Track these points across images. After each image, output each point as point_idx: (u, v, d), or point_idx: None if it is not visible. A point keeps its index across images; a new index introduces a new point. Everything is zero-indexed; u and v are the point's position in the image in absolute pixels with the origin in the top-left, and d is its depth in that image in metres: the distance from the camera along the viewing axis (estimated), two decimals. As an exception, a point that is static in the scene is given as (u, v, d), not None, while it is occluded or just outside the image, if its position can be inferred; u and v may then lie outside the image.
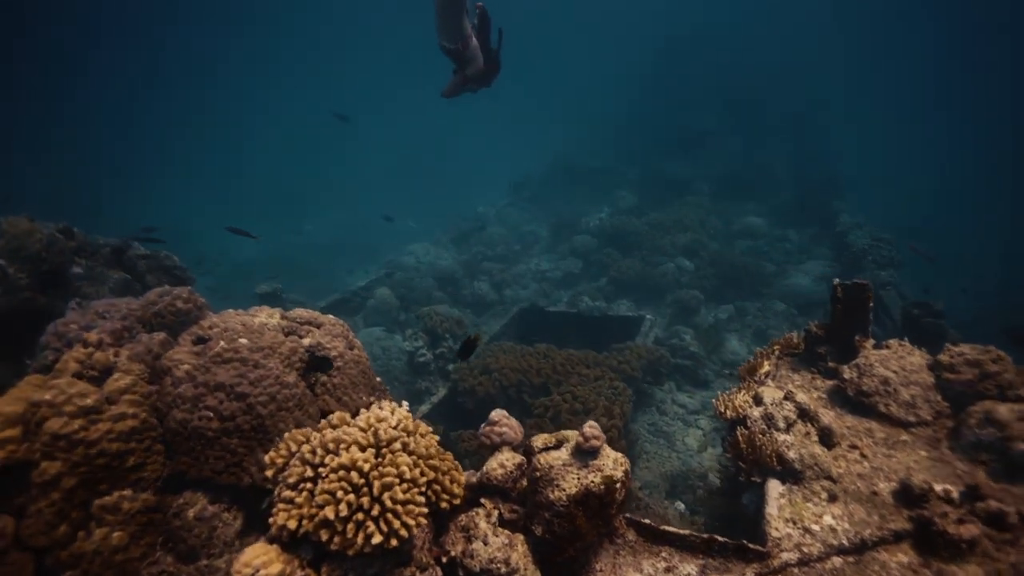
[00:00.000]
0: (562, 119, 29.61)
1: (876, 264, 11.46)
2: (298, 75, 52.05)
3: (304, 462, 2.20)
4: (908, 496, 2.71)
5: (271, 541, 2.15)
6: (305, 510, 2.09)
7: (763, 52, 24.88)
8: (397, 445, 2.22)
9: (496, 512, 2.46)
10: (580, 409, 6.61)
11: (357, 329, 10.63)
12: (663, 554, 2.55)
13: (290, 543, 2.15)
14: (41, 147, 29.34)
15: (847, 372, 3.51)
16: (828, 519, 2.68)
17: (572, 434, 2.62)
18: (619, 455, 2.48)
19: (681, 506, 6.64)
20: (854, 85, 35.98)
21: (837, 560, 2.48)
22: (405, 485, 2.10)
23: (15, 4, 30.68)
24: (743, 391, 3.39)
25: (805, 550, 2.52)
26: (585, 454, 2.41)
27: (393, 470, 2.10)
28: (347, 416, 2.49)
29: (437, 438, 2.52)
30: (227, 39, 47.31)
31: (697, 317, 11.47)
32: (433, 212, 23.76)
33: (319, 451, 2.19)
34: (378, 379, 3.47)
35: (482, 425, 2.72)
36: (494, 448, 2.63)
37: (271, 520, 2.15)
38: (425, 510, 2.14)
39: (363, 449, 2.17)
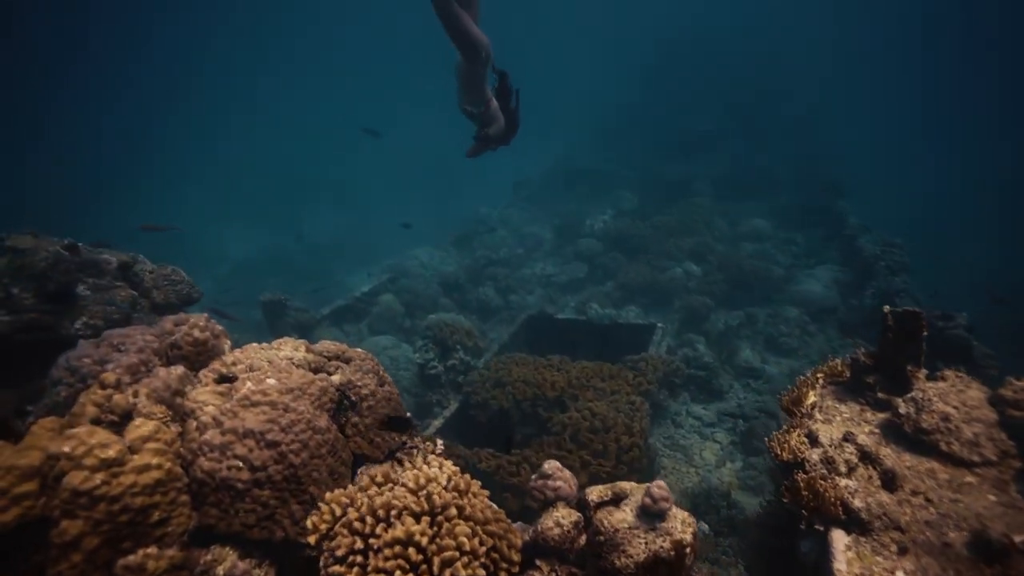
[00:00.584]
0: (562, 121, 29.40)
1: (889, 270, 11.33)
2: (297, 76, 51.59)
3: (352, 531, 2.01)
4: (985, 550, 2.55)
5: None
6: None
7: (763, 54, 24.71)
8: (453, 511, 2.04)
9: None
10: (599, 427, 6.44)
11: (363, 337, 10.43)
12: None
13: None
14: (30, 149, 28.95)
15: (903, 407, 3.34)
16: (900, 575, 2.52)
17: (629, 486, 2.45)
18: (686, 514, 2.31)
19: (705, 527, 6.48)
20: (855, 87, 35.92)
21: (917, 623, 2.32)
22: (466, 559, 1.92)
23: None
24: (796, 430, 3.21)
25: (881, 612, 2.35)
26: (652, 516, 2.24)
27: (452, 542, 1.91)
28: (390, 471, 2.30)
29: (487, 493, 2.34)
30: (227, 38, 46.96)
31: (707, 324, 11.31)
32: (433, 213, 23.54)
33: (368, 519, 2.00)
34: (405, 410, 3.28)
35: (533, 477, 2.53)
36: (548, 504, 2.45)
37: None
38: (485, 583, 1.97)
39: (417, 518, 1.98)
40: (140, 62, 43.68)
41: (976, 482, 3.02)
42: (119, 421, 2.63)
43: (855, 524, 2.74)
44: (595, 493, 2.44)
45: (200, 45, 45.95)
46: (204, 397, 2.75)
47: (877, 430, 3.45)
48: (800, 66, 25.54)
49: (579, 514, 2.41)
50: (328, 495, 2.28)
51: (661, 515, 2.23)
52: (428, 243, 17.04)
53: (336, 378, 2.95)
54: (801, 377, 3.91)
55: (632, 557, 2.12)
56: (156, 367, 3.16)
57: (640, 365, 8.16)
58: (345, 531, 2.02)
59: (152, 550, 2.43)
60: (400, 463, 3.01)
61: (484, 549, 2.02)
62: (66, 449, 2.35)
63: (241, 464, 2.50)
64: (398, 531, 1.90)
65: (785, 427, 3.29)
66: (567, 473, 2.52)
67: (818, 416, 3.54)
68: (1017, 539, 2.54)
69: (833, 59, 34.18)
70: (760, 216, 16.81)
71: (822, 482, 2.82)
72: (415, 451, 3.04)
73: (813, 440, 3.08)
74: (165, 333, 3.35)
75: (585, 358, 8.49)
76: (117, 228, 22.31)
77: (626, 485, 2.44)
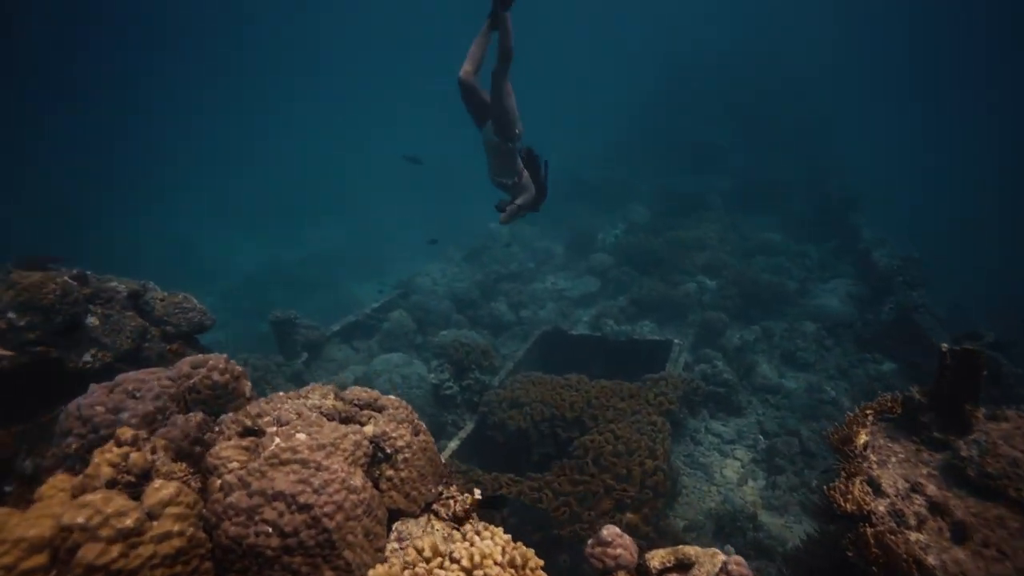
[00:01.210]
0: (570, 132, 29.29)
1: (907, 284, 11.12)
2: (297, 82, 51.62)
3: (402, 620, 1.82)
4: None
5: None
6: None
7: (774, 66, 24.58)
8: (512, 593, 1.84)
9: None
10: (623, 451, 6.23)
11: (373, 353, 10.24)
12: None
13: None
14: (29, 161, 28.81)
15: (964, 449, 3.14)
16: (986, 643, 2.32)
17: (694, 552, 2.25)
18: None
19: (731, 550, 6.26)
20: (864, 96, 35.82)
21: None
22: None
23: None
24: (856, 477, 3.01)
25: None
26: (727, 592, 2.05)
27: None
28: (438, 543, 2.11)
29: (542, 563, 2.14)
30: (228, 49, 47.00)
31: (723, 339, 11.11)
32: (439, 224, 23.41)
33: (420, 605, 1.81)
34: (443, 461, 3.09)
35: (590, 543, 2.35)
36: (607, 573, 2.26)
37: None
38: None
39: (475, 604, 1.79)
40: (139, 71, 43.71)
41: (1052, 533, 2.82)
42: (136, 482, 2.45)
43: (930, 584, 2.54)
44: (657, 560, 2.25)
45: (200, 55, 45.99)
46: (228, 453, 2.55)
47: (936, 472, 3.24)
48: (811, 77, 25.40)
49: (641, 585, 2.22)
50: (372, 572, 2.09)
51: (735, 590, 2.04)
52: (431, 254, 16.87)
53: (369, 429, 2.76)
54: (849, 414, 3.70)
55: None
56: (173, 414, 2.98)
57: (660, 384, 7.95)
58: (393, 618, 1.83)
59: (174, 627, 2.23)
60: (437, 515, 2.83)
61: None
62: (80, 520, 2.15)
63: (270, 529, 2.31)
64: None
65: (843, 473, 3.09)
66: (627, 539, 2.33)
67: (872, 457, 3.34)
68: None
69: (841, 70, 34.08)
70: (771, 229, 16.66)
71: (892, 537, 2.62)
72: (452, 502, 2.85)
73: (876, 488, 2.88)
74: (182, 376, 3.17)
75: (601, 375, 8.31)
76: (114, 239, 22.23)
77: (690, 551, 2.24)
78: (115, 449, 2.50)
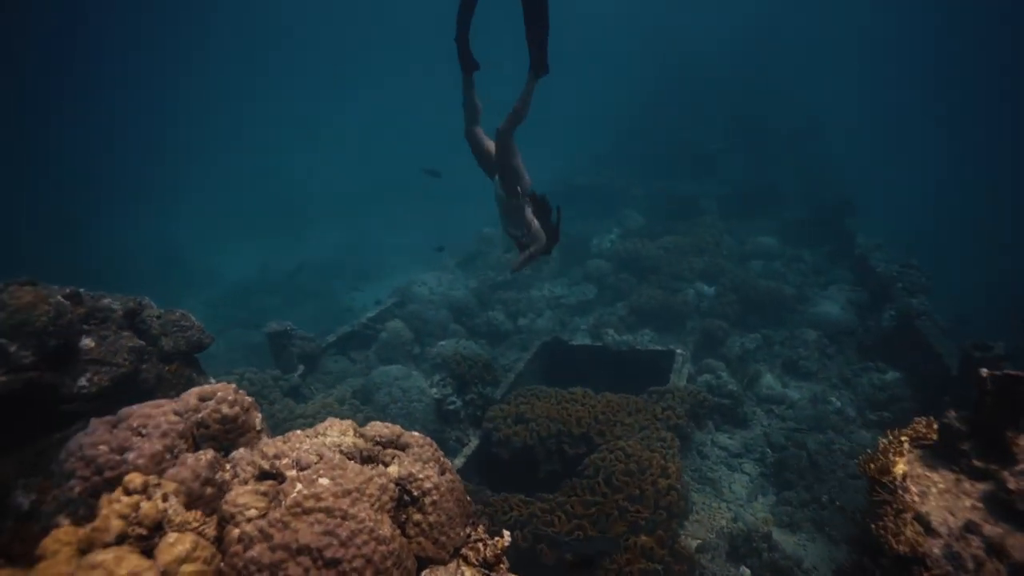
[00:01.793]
0: (560, 135, 29.21)
1: (906, 291, 11.07)
2: (286, 91, 51.16)
3: None
4: None
5: None
6: None
7: (767, 70, 24.67)
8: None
9: None
10: (635, 469, 6.08)
11: (371, 365, 10.04)
12: None
13: None
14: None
15: (1012, 481, 3.02)
16: None
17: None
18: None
19: (747, 572, 6.15)
20: (864, 103, 36.07)
21: None
22: None
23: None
24: (905, 515, 2.87)
25: None
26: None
27: None
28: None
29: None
30: (221, 51, 46.52)
31: (724, 348, 11.01)
32: (431, 230, 23.23)
33: None
34: (468, 499, 2.92)
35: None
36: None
37: None
38: None
39: None
40: (126, 72, 43.09)
41: (1111, 572, 2.70)
42: (148, 534, 2.26)
43: (993, 633, 2.41)
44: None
45: (187, 58, 45.43)
46: (245, 499, 2.37)
47: (981, 505, 3.12)
48: (804, 81, 25.53)
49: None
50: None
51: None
52: (425, 261, 16.67)
53: (394, 470, 2.58)
54: (883, 440, 3.57)
55: None
56: (183, 453, 2.80)
57: (667, 397, 7.83)
58: None
59: None
60: (466, 560, 2.66)
61: None
62: (90, 585, 1.96)
63: (295, 587, 2.13)
64: None
65: (890, 509, 2.95)
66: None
67: (913, 489, 3.21)
68: None
69: (835, 72, 34.32)
70: (766, 233, 16.63)
71: (950, 582, 2.49)
72: (482, 545, 2.69)
73: (926, 525, 2.76)
74: (189, 410, 2.98)
75: (603, 386, 8.20)
76: (100, 246, 21.82)
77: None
78: (124, 498, 2.31)
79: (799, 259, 15.18)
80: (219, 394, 3.04)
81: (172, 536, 2.20)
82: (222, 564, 2.24)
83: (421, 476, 2.59)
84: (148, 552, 2.19)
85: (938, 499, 3.19)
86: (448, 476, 2.74)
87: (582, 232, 17.02)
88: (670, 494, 5.89)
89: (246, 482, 2.52)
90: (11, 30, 32.32)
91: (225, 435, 2.99)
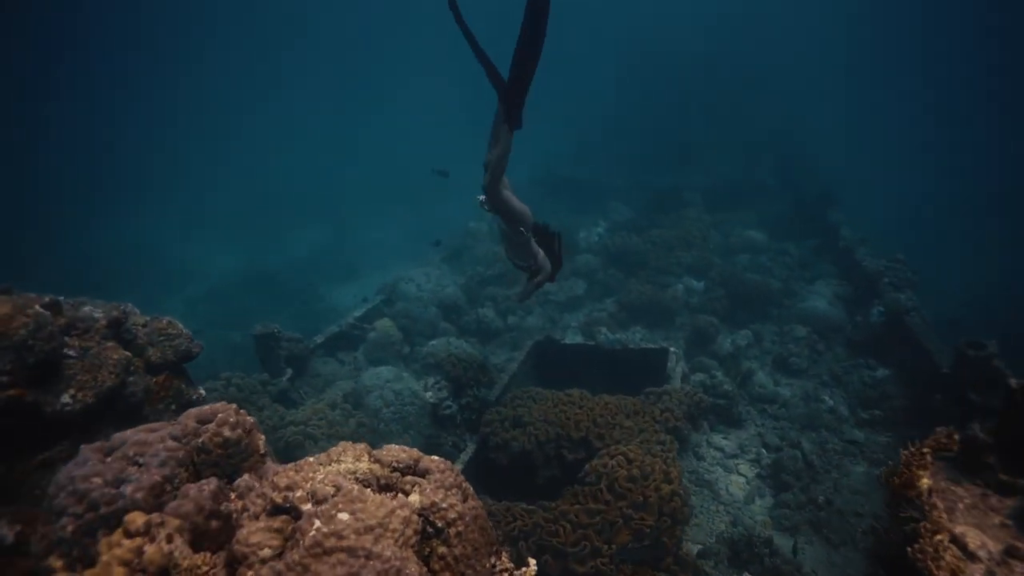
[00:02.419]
0: (546, 128, 29.03)
1: (893, 286, 11.13)
2: (271, 85, 50.15)
3: None
4: None
5: None
6: None
7: (751, 64, 24.73)
8: None
9: None
10: (638, 475, 5.97)
11: (361, 367, 9.81)
12: None
13: None
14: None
15: (1045, 496, 2.95)
16: None
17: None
18: None
19: (749, 579, 6.10)
20: (838, 93, 36.35)
21: None
22: None
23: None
24: (946, 542, 2.77)
25: None
26: None
27: None
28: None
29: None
30: (213, 50, 45.44)
31: (714, 345, 10.98)
32: (413, 226, 22.97)
33: None
34: (490, 525, 2.77)
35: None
36: None
37: None
38: None
39: None
40: (107, 70, 41.95)
41: None
42: (153, 582, 2.07)
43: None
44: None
45: (172, 55, 44.33)
46: (258, 538, 2.18)
47: (1010, 522, 3.05)
48: (787, 75, 25.65)
49: None
50: None
51: None
52: (408, 257, 16.43)
53: (415, 500, 2.41)
54: (904, 452, 3.48)
55: None
56: (183, 482, 2.61)
57: (664, 399, 7.75)
58: None
59: None
60: (491, 595, 2.51)
61: None
62: (94, 647, 1.78)
63: (318, 638, 1.96)
64: None
65: (924, 531, 2.85)
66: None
67: (939, 505, 3.13)
68: None
69: (815, 65, 34.52)
70: (751, 226, 16.65)
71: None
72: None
73: (963, 547, 2.67)
74: (188, 434, 2.78)
75: (597, 385, 8.13)
76: (79, 244, 21.19)
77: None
78: (125, 542, 2.12)
79: (785, 252, 15.20)
80: (219, 416, 2.84)
81: (181, 585, 2.01)
82: (236, 612, 2.06)
83: (445, 505, 2.42)
84: (154, 603, 2.00)
85: (966, 515, 3.11)
86: (471, 503, 2.58)
87: (568, 225, 16.87)
88: (673, 500, 5.79)
89: (257, 517, 2.32)
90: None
91: (228, 460, 2.81)
